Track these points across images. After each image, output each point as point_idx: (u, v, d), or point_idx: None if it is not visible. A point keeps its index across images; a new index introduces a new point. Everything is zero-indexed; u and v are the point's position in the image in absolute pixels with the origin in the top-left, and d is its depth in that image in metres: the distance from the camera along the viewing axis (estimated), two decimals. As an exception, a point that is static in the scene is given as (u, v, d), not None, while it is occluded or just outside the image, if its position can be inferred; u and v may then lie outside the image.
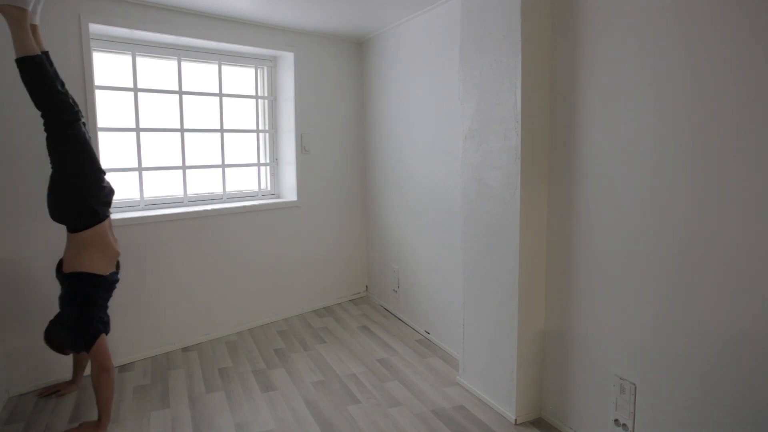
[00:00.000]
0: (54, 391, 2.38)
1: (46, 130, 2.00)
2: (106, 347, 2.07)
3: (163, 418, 2.18)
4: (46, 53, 2.06)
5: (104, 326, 2.14)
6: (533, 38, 1.94)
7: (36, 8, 2.01)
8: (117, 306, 2.67)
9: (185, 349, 2.92)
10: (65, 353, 2.19)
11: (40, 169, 2.37)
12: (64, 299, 2.11)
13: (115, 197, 2.81)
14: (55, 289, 2.46)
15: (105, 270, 2.14)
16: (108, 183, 2.18)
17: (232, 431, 2.09)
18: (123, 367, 2.68)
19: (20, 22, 1.90)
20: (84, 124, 2.11)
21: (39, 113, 1.99)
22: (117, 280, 2.25)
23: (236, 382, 2.51)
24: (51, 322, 2.13)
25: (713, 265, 1.47)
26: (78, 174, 2.03)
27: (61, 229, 2.45)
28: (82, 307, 2.08)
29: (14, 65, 2.25)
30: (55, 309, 2.47)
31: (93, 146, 2.14)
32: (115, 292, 2.64)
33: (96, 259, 2.09)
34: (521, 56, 1.92)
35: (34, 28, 2.03)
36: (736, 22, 1.37)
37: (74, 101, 2.08)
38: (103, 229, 2.11)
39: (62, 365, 2.50)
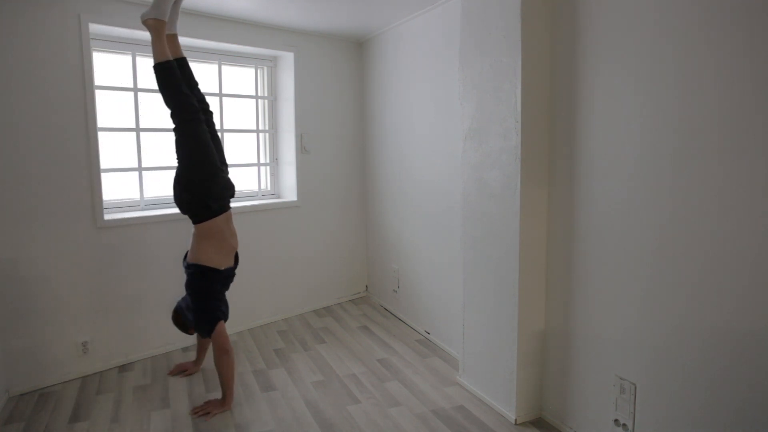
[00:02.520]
0: (181, 371, 2.60)
1: (173, 129, 2.22)
2: (224, 332, 2.24)
3: (163, 418, 2.18)
4: (182, 59, 2.32)
5: (222, 313, 2.29)
6: (533, 38, 1.94)
7: (174, 18, 2.27)
8: (117, 305, 2.68)
9: (185, 349, 2.92)
10: (190, 333, 2.42)
11: (40, 169, 2.38)
12: (186, 288, 2.28)
13: (115, 197, 2.84)
14: (54, 289, 2.47)
15: (220, 264, 2.27)
16: (227, 178, 2.33)
17: (232, 431, 2.09)
18: (123, 367, 2.68)
19: (158, 32, 2.16)
20: (208, 122, 2.31)
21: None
22: (233, 275, 2.41)
23: (236, 382, 2.51)
24: (178, 304, 2.37)
25: (714, 265, 1.47)
26: (193, 170, 2.21)
27: (60, 229, 2.46)
28: (201, 297, 2.24)
29: (14, 68, 2.28)
30: (53, 308, 2.48)
31: (218, 142, 2.34)
32: (115, 292, 2.66)
33: (212, 252, 2.24)
34: (521, 56, 1.92)
35: (172, 37, 2.29)
36: (734, 25, 1.37)
37: (200, 101, 2.31)
38: (218, 223, 2.25)
39: (62, 365, 2.51)
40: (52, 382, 2.48)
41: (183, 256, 2.37)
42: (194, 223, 2.23)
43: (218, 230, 2.25)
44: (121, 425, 2.13)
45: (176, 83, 2.18)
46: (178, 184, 2.21)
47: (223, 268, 2.28)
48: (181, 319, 2.36)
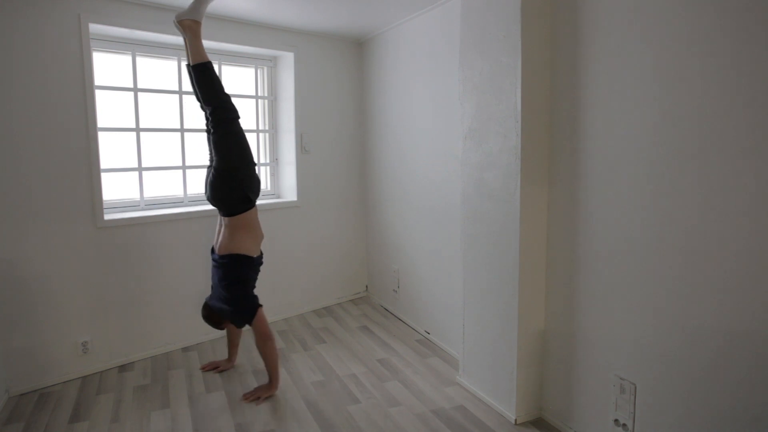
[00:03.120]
0: (214, 367, 2.65)
1: (212, 128, 2.28)
2: (264, 318, 2.33)
3: (163, 418, 2.18)
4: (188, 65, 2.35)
5: (259, 300, 2.38)
6: (533, 38, 1.94)
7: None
8: (117, 305, 2.68)
9: (185, 349, 2.92)
10: (221, 328, 2.49)
11: (40, 169, 2.38)
12: (221, 281, 2.32)
13: (115, 197, 2.85)
14: (54, 289, 2.47)
15: (254, 252, 2.38)
16: (257, 174, 2.42)
17: (231, 431, 2.09)
18: (123, 367, 2.68)
19: (196, 33, 2.23)
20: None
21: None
22: (262, 263, 2.48)
23: (236, 382, 2.51)
24: (208, 300, 2.43)
25: (714, 265, 1.47)
26: (237, 166, 2.29)
27: (60, 229, 2.45)
28: (239, 286, 2.31)
29: (14, 68, 2.28)
30: (53, 308, 2.48)
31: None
32: (115, 292, 2.66)
33: (247, 241, 2.33)
34: (521, 56, 1.92)
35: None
36: (735, 24, 1.37)
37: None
38: (252, 214, 2.37)
39: (62, 365, 2.51)
40: (52, 382, 2.48)
41: (210, 250, 2.42)
42: (230, 215, 2.30)
43: (252, 221, 2.36)
44: (121, 425, 2.13)
45: (219, 82, 2.26)
46: (219, 179, 2.26)
47: (255, 256, 2.38)
48: (216, 315, 2.40)
